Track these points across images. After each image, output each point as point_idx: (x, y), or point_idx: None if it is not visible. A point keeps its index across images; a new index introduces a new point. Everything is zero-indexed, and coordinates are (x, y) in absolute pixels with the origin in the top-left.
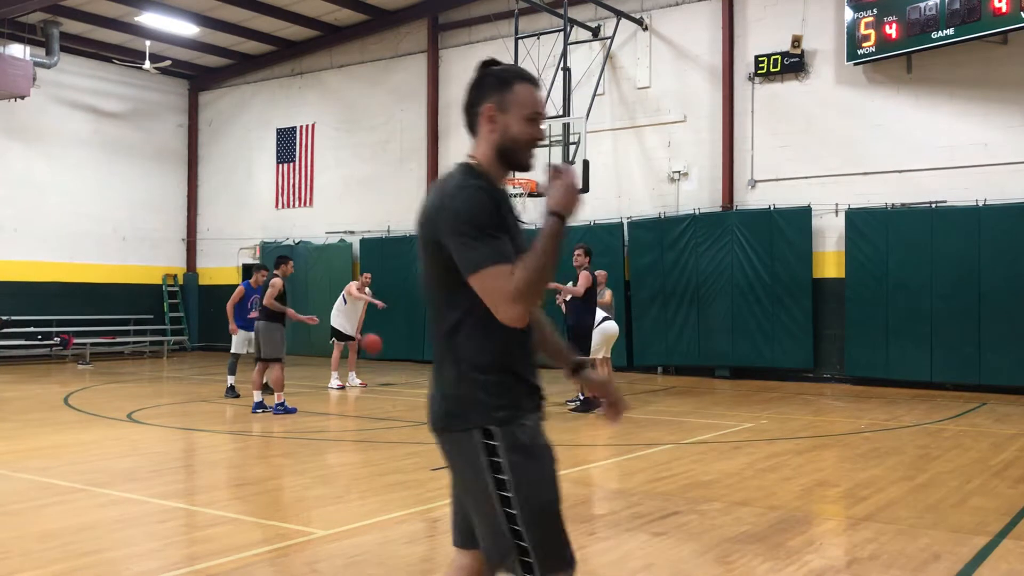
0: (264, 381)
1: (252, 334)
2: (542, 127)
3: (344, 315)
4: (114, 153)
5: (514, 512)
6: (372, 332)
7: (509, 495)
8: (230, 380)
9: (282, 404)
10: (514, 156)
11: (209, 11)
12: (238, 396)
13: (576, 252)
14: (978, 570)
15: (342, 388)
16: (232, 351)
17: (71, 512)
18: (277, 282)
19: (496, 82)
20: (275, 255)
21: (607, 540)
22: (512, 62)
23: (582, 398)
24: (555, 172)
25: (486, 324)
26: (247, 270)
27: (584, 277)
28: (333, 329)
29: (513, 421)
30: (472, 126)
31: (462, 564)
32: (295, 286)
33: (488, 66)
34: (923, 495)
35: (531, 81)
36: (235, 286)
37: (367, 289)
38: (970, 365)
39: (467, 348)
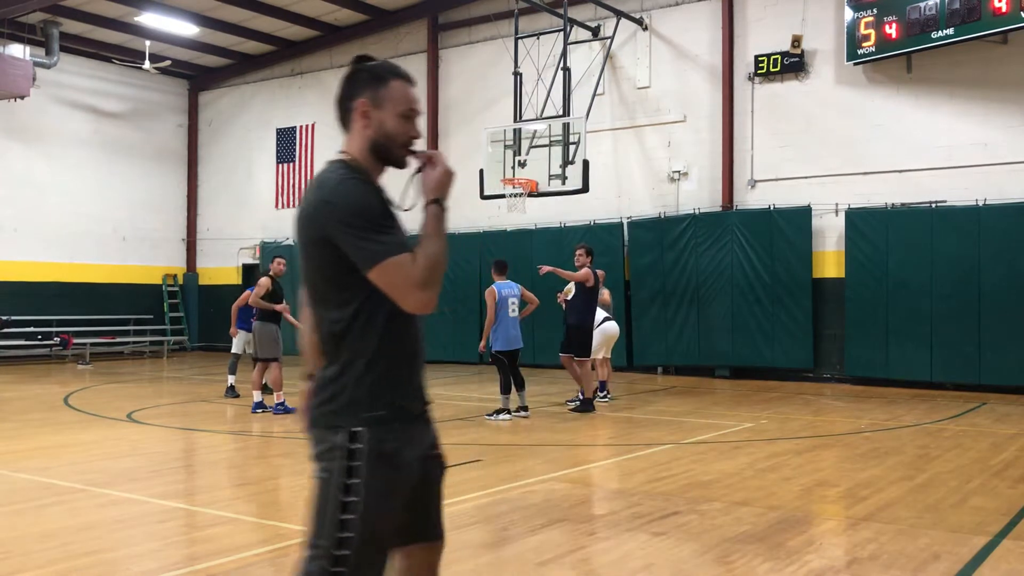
0: (264, 381)
1: (251, 335)
2: (417, 125)
3: None
4: (114, 153)
5: (349, 519)
6: None
7: (353, 501)
8: (230, 380)
9: (282, 404)
10: (388, 153)
11: (209, 11)
12: (238, 396)
13: (578, 252)
14: (978, 570)
15: None
16: (232, 351)
17: (71, 512)
18: (264, 281)
19: (370, 77)
20: (274, 255)
21: (607, 540)
22: (512, 62)
23: (582, 398)
24: (426, 158)
25: (374, 323)
26: (248, 271)
27: (585, 274)
28: None
29: (385, 426)
30: (345, 121)
31: (405, 564)
32: (296, 286)
33: (361, 61)
34: (923, 495)
35: (406, 78)
36: (235, 286)
37: None
38: (970, 365)
39: (353, 347)
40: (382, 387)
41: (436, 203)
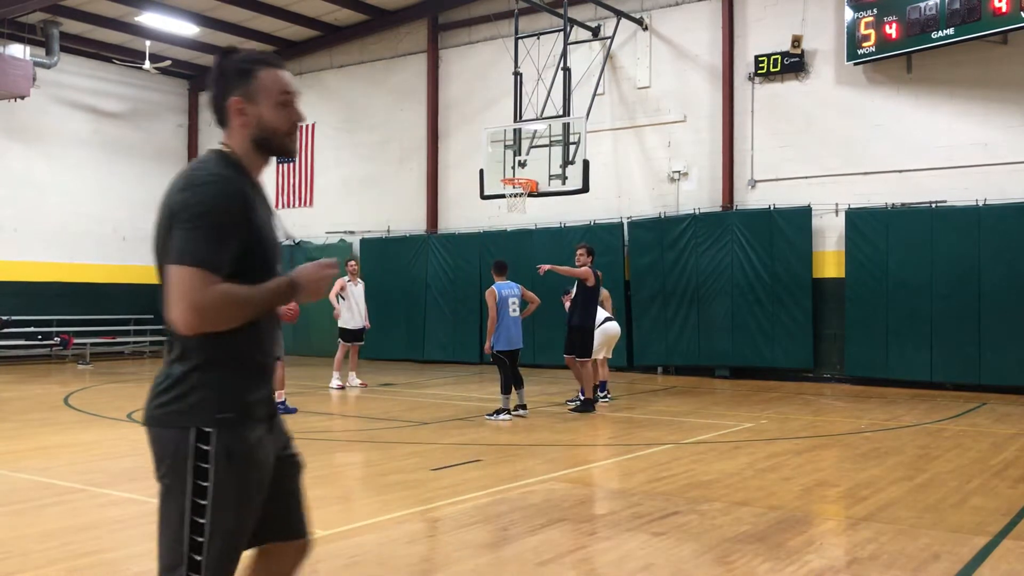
0: None
1: None
2: (297, 107)
3: (346, 310)
4: (114, 153)
5: (203, 523)
6: (373, 331)
7: (205, 504)
8: None
9: (282, 403)
10: (271, 144)
11: (209, 11)
12: None
13: (579, 252)
14: (978, 570)
15: (342, 388)
16: None
17: (71, 512)
18: None
19: (237, 73)
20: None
21: (607, 540)
22: (512, 62)
23: (582, 398)
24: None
25: None
26: None
27: (585, 271)
28: (340, 330)
29: (236, 427)
30: (222, 121)
31: (269, 563)
32: None
33: (227, 55)
34: (923, 495)
35: (274, 64)
36: None
37: (357, 279)
38: (970, 365)
39: (205, 346)
40: (233, 388)
41: (293, 283)
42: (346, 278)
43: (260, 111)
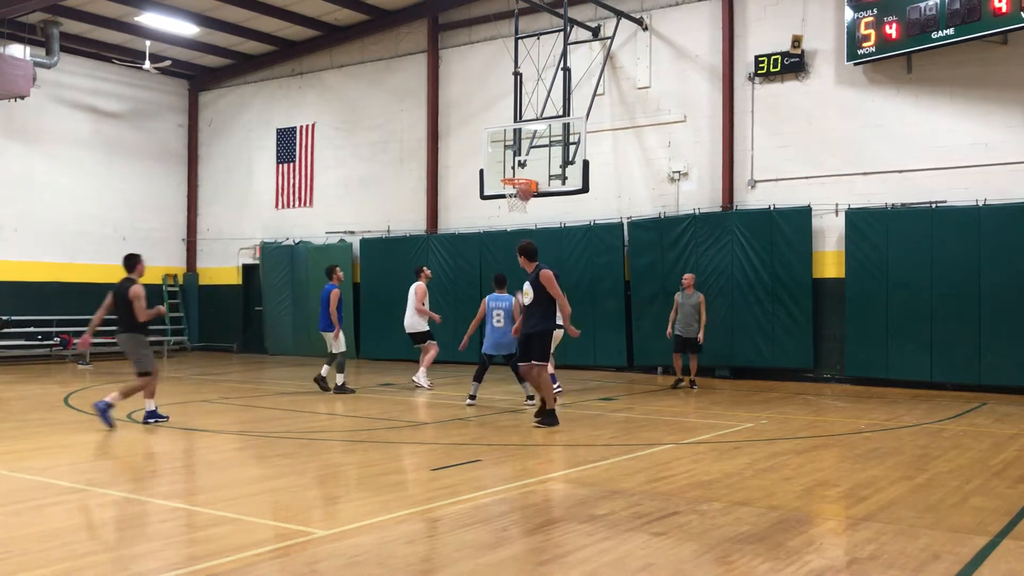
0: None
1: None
2: None
3: (413, 314)
4: (114, 153)
5: None
6: (373, 332)
7: None
8: (340, 379)
9: (153, 412)
10: None
11: (209, 11)
12: (354, 392)
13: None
14: (978, 570)
15: (430, 387)
16: (340, 350)
17: (71, 512)
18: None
19: None
20: (275, 255)
21: (607, 540)
22: (512, 62)
23: (547, 408)
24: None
25: None
26: (248, 271)
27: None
28: (411, 334)
29: None
30: None
31: None
32: (296, 286)
33: None
34: (923, 495)
35: None
36: (235, 286)
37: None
38: (970, 365)
39: None
40: None
41: None
42: (420, 284)
43: None
